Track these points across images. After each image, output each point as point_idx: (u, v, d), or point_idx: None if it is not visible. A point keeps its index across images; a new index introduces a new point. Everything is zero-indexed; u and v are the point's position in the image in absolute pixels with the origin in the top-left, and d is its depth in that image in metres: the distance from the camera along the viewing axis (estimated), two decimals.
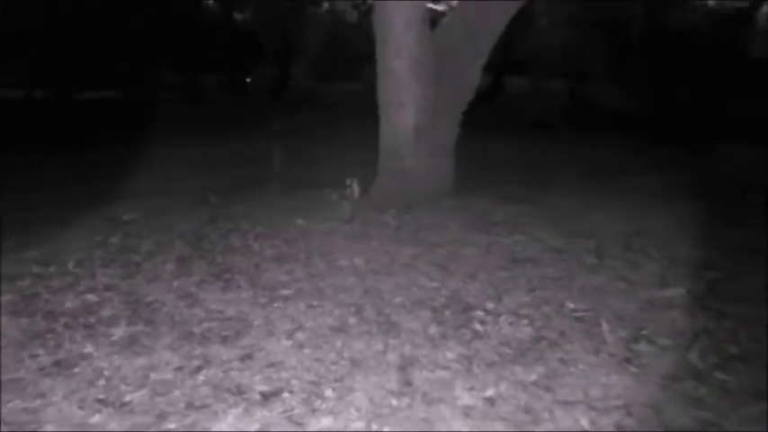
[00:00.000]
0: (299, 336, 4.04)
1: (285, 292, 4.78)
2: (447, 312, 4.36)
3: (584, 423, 3.13)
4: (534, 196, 7.80)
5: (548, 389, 3.41)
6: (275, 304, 4.55)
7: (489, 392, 3.36)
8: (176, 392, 3.38)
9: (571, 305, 4.49)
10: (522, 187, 8.33)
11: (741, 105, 18.03)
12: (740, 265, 5.51)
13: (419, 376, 3.53)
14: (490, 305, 4.48)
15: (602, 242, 6.01)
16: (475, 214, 6.82)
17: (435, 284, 4.88)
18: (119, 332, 4.07)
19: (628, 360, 3.75)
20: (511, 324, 4.17)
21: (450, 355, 3.74)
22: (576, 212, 7.09)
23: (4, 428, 3.11)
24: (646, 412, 3.22)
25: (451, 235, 6.11)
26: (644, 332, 4.11)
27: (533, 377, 3.52)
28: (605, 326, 4.12)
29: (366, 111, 8.01)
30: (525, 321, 4.22)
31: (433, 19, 7.86)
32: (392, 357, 3.74)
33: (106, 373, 3.57)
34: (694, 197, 8.03)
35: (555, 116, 17.32)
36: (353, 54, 22.23)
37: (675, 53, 19.76)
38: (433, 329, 4.08)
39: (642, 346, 3.92)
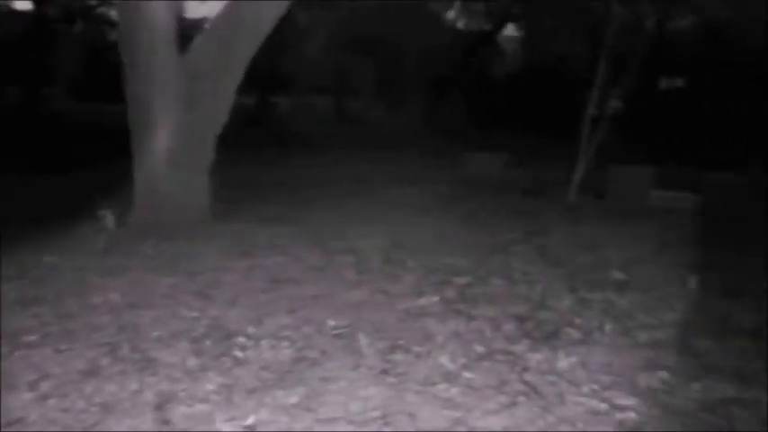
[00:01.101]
0: (44, 385, 3.70)
1: (30, 338, 4.36)
2: (207, 342, 4.23)
3: None
4: (297, 216, 7.89)
5: (308, 409, 3.42)
6: (17, 353, 4.13)
7: (250, 420, 3.30)
8: None
9: (332, 322, 4.56)
10: (285, 208, 8.40)
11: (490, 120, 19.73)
12: (486, 268, 5.98)
13: (177, 413, 3.38)
14: (251, 330, 4.42)
15: (363, 257, 6.22)
16: (236, 238, 6.74)
17: (195, 314, 4.73)
18: None
19: (385, 371, 3.87)
20: (272, 347, 4.15)
21: (209, 386, 3.63)
22: (338, 229, 7.28)
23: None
24: (402, 419, 3.34)
25: (212, 261, 5.98)
26: (400, 342, 4.28)
27: (294, 399, 3.51)
28: (363, 340, 4.24)
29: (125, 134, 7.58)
30: (286, 343, 4.21)
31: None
32: (148, 396, 3.54)
33: None
34: (446, 207, 8.60)
35: (321, 133, 17.68)
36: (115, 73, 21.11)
37: (432, 71, 21.16)
38: (192, 361, 3.93)
39: (398, 356, 4.07)
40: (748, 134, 16.58)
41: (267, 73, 18.01)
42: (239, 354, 4.06)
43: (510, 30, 26.53)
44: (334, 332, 4.41)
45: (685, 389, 3.79)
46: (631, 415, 3.47)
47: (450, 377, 3.80)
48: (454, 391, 3.64)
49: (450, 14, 26.22)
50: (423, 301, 5.08)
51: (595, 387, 3.76)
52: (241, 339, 4.28)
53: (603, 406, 3.55)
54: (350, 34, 21.18)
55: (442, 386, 3.69)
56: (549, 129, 16.11)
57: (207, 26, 8.22)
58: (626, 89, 10.66)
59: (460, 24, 26.77)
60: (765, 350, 4.37)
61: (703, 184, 9.31)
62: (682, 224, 8.28)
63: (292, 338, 4.30)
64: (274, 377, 3.76)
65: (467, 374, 3.84)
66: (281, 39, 17.90)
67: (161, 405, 3.45)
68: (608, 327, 4.65)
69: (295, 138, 16.52)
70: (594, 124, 10.09)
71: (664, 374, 3.96)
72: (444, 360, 4.02)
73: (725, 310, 5.09)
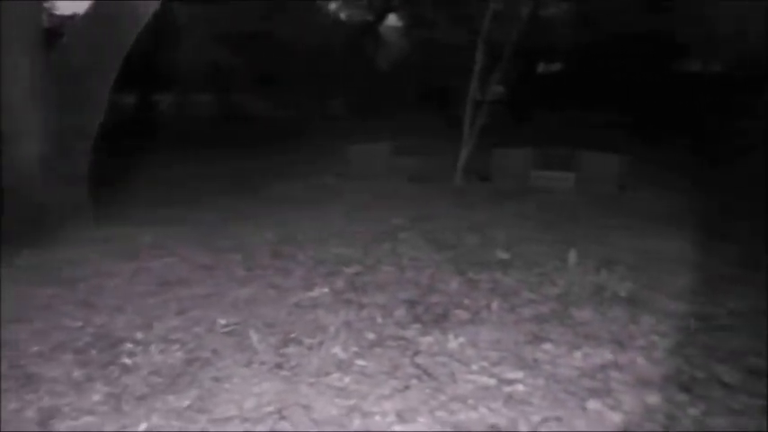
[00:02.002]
0: None
1: None
2: (92, 352, 4.09)
3: None
4: (183, 216, 7.73)
5: (202, 410, 3.37)
6: None
7: (141, 427, 3.22)
8: None
9: (223, 321, 4.51)
10: (171, 208, 8.20)
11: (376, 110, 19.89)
12: (375, 256, 6.05)
13: (62, 427, 3.25)
14: (139, 335, 4.30)
15: (251, 253, 6.16)
16: (120, 242, 6.53)
17: (79, 324, 4.55)
18: None
19: (279, 365, 3.86)
20: (162, 351, 4.05)
21: (96, 397, 3.51)
22: (225, 227, 7.18)
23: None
24: (297, 412, 3.35)
25: (95, 267, 5.77)
26: (292, 335, 4.28)
27: (187, 402, 3.45)
28: (255, 336, 4.21)
29: None
30: (176, 346, 4.13)
31: None
32: (30, 414, 3.39)
33: None
34: (333, 198, 8.64)
35: (205, 130, 17.30)
36: None
37: (316, 63, 21.07)
38: (76, 373, 3.79)
39: (291, 349, 4.07)
40: (619, 116, 17.51)
41: (147, 70, 17.44)
42: (127, 361, 3.94)
43: (393, 20, 26.89)
44: (226, 330, 4.36)
45: (567, 358, 3.99)
46: (519, 387, 3.62)
47: (343, 366, 3.84)
48: (347, 379, 3.68)
49: (333, 6, 26.25)
50: (313, 293, 5.09)
51: (484, 364, 3.89)
52: (129, 346, 4.15)
53: (493, 381, 3.68)
54: (232, 28, 20.77)
55: (335, 376, 3.72)
56: (434, 116, 16.44)
57: (76, 23, 7.89)
58: (505, 75, 11.00)
59: (343, 16, 26.86)
60: (638, 315, 4.65)
61: (581, 164, 9.74)
62: (561, 202, 8.66)
63: (183, 340, 4.22)
64: (165, 381, 3.68)
65: (359, 362, 3.89)
66: (160, 35, 17.45)
67: (44, 421, 3.31)
68: (495, 305, 4.81)
69: (178, 136, 16.10)
70: (477, 109, 10.36)
71: (548, 346, 4.15)
72: (337, 350, 4.05)
73: (601, 281, 5.37)
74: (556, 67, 31.02)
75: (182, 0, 18.46)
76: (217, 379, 3.71)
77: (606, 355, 4.03)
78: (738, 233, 7.14)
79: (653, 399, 3.51)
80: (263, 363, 3.89)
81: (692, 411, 3.39)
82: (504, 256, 6.09)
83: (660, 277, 5.57)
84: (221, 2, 19.40)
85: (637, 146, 14.11)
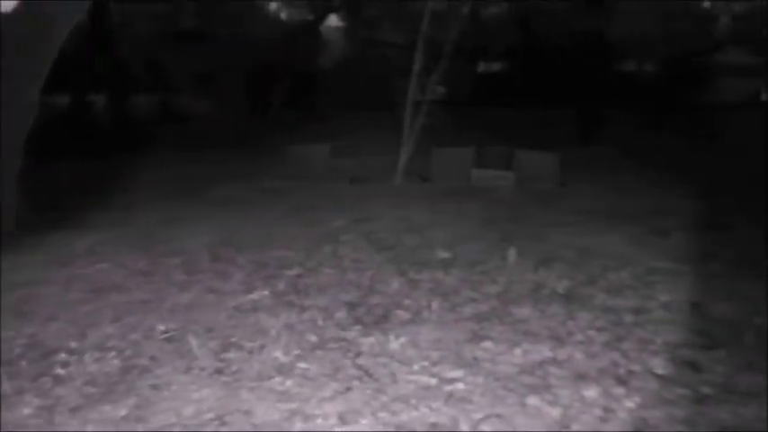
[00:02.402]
0: None
1: None
2: (23, 363, 3.96)
3: None
4: (120, 220, 7.57)
5: (139, 419, 3.30)
6: None
7: None
8: None
9: (161, 327, 4.43)
10: (107, 212, 8.03)
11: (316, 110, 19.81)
12: (316, 258, 6.04)
13: None
14: (73, 344, 4.19)
15: (191, 258, 6.07)
16: (54, 248, 6.37)
17: (9, 333, 4.40)
18: None
19: (219, 371, 3.81)
20: (97, 360, 3.95)
21: (26, 410, 3.40)
22: (164, 231, 7.06)
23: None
24: (238, 417, 3.31)
25: (25, 275, 5.59)
26: (233, 339, 4.24)
27: (124, 411, 3.38)
28: (195, 341, 4.14)
29: None
30: (113, 354, 4.04)
31: None
32: None
33: None
34: (274, 200, 8.58)
35: (143, 132, 16.90)
36: None
37: (256, 64, 20.88)
38: (5, 386, 3.66)
39: (232, 354, 4.02)
40: (560, 114, 17.82)
41: (80, 71, 16.97)
42: (60, 371, 3.83)
43: (334, 20, 26.86)
44: (164, 336, 4.29)
45: (507, 355, 4.04)
46: (460, 386, 3.65)
47: (284, 370, 3.81)
48: (289, 383, 3.66)
49: (273, 6, 26.09)
50: (254, 296, 5.05)
51: (425, 364, 3.91)
52: (62, 356, 4.04)
53: (434, 381, 3.70)
54: (171, 28, 20.46)
55: (276, 379, 3.69)
56: (375, 116, 16.43)
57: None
58: (445, 74, 11.09)
59: (284, 15, 26.71)
60: (576, 311, 4.75)
61: (521, 162, 9.87)
62: (502, 201, 8.77)
63: (119, 348, 4.12)
64: (101, 391, 3.59)
65: (301, 365, 3.87)
66: (95, 34, 17.01)
67: None
68: (435, 304, 4.84)
69: (115, 138, 15.71)
70: (417, 109, 10.41)
71: (488, 344, 4.19)
72: (278, 353, 4.02)
73: (540, 278, 5.46)
74: (496, 66, 31.50)
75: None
76: (155, 386, 3.64)
77: (545, 351, 4.09)
78: (672, 228, 7.33)
79: (590, 393, 3.58)
80: (202, 368, 3.84)
81: (628, 404, 3.47)
82: (444, 255, 6.14)
83: (597, 273, 5.68)
84: (158, 1, 19.09)
85: (576, 143, 14.45)
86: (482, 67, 31.57)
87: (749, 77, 28.82)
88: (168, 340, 4.24)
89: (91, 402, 3.47)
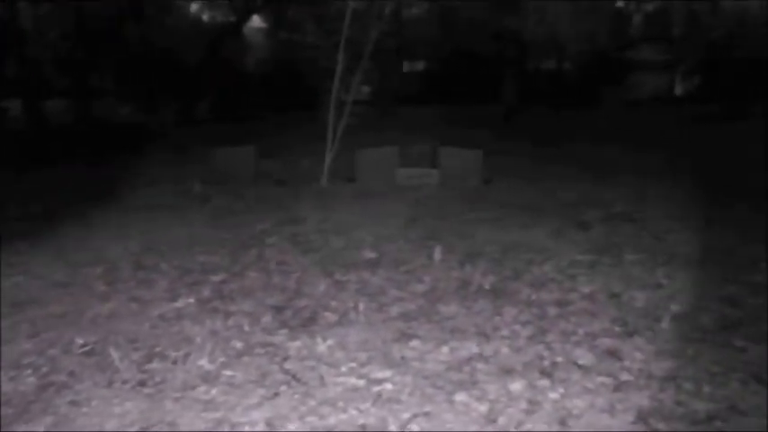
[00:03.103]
0: None
1: None
2: None
3: None
4: (37, 230, 7.31)
5: None
6: None
7: None
8: None
9: (80, 340, 4.29)
10: (23, 222, 7.73)
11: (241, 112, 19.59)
12: (241, 263, 5.96)
13: None
14: None
15: (112, 266, 5.91)
16: None
17: None
18: None
19: (142, 382, 3.72)
20: (12, 379, 3.79)
21: None
22: (84, 240, 6.86)
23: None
24: (162, 429, 3.24)
25: None
26: (157, 349, 4.14)
27: (40, 430, 3.26)
28: (116, 354, 4.03)
29: None
30: (29, 371, 3.88)
31: None
32: None
33: None
34: (198, 205, 8.43)
35: (62, 138, 16.35)
36: None
37: (177, 66, 20.50)
38: None
39: (155, 365, 3.94)
40: (483, 111, 18.11)
41: None
42: None
43: (257, 21, 26.60)
44: (84, 350, 4.15)
45: (435, 353, 4.08)
46: (388, 386, 3.66)
47: (209, 378, 3.75)
48: (214, 391, 3.60)
49: (194, 7, 25.64)
50: (178, 304, 4.95)
51: (353, 365, 3.91)
52: None
53: (362, 382, 3.71)
54: (88, 30, 19.82)
55: (201, 388, 3.63)
56: (301, 117, 16.38)
57: None
58: (369, 74, 11.10)
59: (205, 17, 26.28)
60: (502, 307, 4.83)
61: (445, 160, 9.96)
62: (427, 199, 8.84)
63: (35, 365, 3.97)
64: (16, 411, 3.45)
65: (227, 372, 3.82)
66: (5, 35, 16.36)
67: None
68: (362, 305, 4.84)
69: (32, 144, 15.17)
70: (341, 110, 10.39)
71: (415, 343, 4.22)
72: (203, 362, 3.95)
73: (466, 275, 5.53)
74: (421, 65, 31.79)
75: (29, 0, 17.49)
76: (74, 403, 3.52)
77: (472, 347, 4.15)
78: (593, 220, 7.54)
79: (516, 386, 3.65)
80: (125, 381, 3.74)
81: (553, 395, 3.55)
82: (371, 255, 6.15)
83: (522, 268, 5.79)
84: (72, 2, 18.50)
85: (498, 139, 14.70)
86: (407, 66, 31.81)
87: (661, 73, 29.92)
88: (88, 354, 4.11)
89: (5, 423, 3.33)
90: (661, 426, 3.25)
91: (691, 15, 26.40)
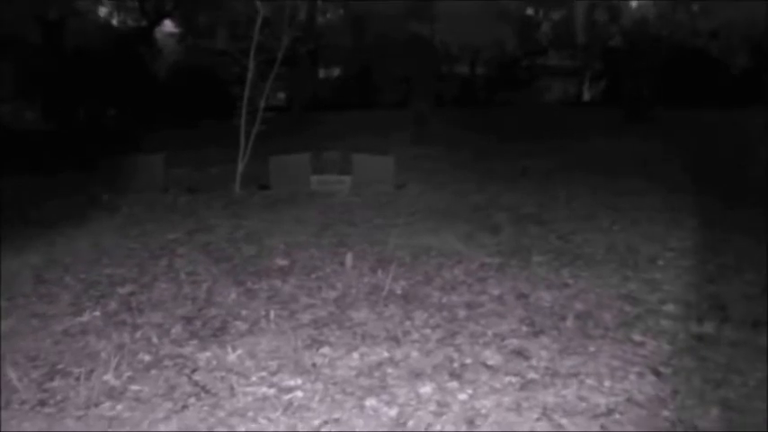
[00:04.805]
0: None
1: None
2: None
3: None
4: None
5: None
6: None
7: None
8: None
9: None
10: None
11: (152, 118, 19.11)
12: (150, 274, 5.84)
13: None
14: None
15: (10, 281, 5.67)
16: None
17: None
18: None
19: (42, 402, 3.59)
20: None
21: None
22: None
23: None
24: None
25: None
26: (59, 366, 4.01)
27: None
28: (14, 373, 3.87)
29: None
30: None
31: None
32: None
33: None
34: (105, 214, 8.20)
35: None
36: None
37: (79, 72, 19.82)
38: None
39: (57, 383, 3.81)
40: (396, 116, 18.27)
41: None
42: None
43: (169, 26, 26.08)
44: None
45: (346, 359, 4.10)
46: (298, 394, 3.67)
47: (114, 394, 3.66)
48: (120, 407, 3.52)
49: (103, 10, 24.93)
50: (83, 318, 4.80)
51: (264, 374, 3.90)
52: None
53: (272, 391, 3.70)
54: None
55: (106, 405, 3.54)
56: (213, 124, 16.12)
57: None
58: (284, 80, 11.03)
59: (115, 21, 25.59)
60: (412, 311, 4.90)
61: (357, 166, 10.00)
62: (339, 205, 8.86)
63: None
64: None
65: (133, 387, 3.74)
66: None
67: None
68: (273, 313, 4.82)
69: None
70: (253, 117, 10.29)
71: (326, 350, 4.24)
72: (109, 377, 3.85)
73: (378, 280, 5.58)
74: (336, 71, 31.86)
75: None
76: None
77: (382, 352, 4.19)
78: (501, 223, 7.72)
79: (426, 389, 3.71)
80: (23, 402, 3.60)
81: (461, 396, 3.63)
82: (282, 263, 6.13)
83: (431, 272, 5.89)
84: None
85: (410, 144, 14.89)
86: (323, 72, 31.83)
87: (569, 78, 31.00)
88: None
89: None
90: (564, 421, 3.37)
91: (590, 24, 27.49)
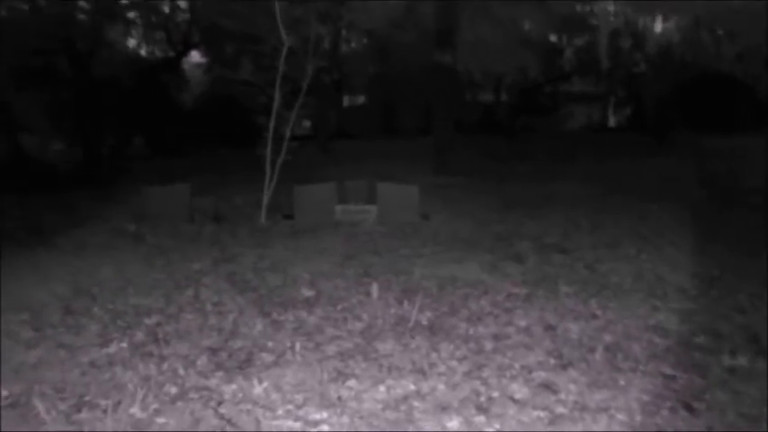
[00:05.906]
0: None
1: None
2: None
3: None
4: None
5: None
6: None
7: None
8: None
9: (3, 392, 4.11)
10: None
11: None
12: (176, 304, 5.85)
13: None
14: None
15: (40, 311, 5.72)
16: None
17: None
18: None
19: None
20: None
21: None
22: (11, 282, 6.60)
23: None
24: None
25: None
26: (86, 398, 4.02)
27: None
28: (41, 405, 3.88)
29: None
30: None
31: None
32: None
33: None
34: (131, 245, 8.27)
35: None
36: None
37: (107, 102, 20.14)
38: None
39: (84, 415, 3.81)
40: (421, 144, 18.30)
41: None
42: None
43: (196, 57, 26.47)
44: (6, 402, 3.98)
45: (372, 392, 4.06)
46: (324, 428, 3.64)
47: (141, 426, 3.66)
48: None
49: (132, 42, 25.38)
50: (110, 350, 4.82)
51: (290, 407, 3.87)
52: None
53: (298, 425, 3.68)
54: (14, 64, 19.29)
55: None
56: (238, 154, 16.27)
57: None
58: (309, 109, 11.09)
59: (143, 52, 26.03)
60: (439, 343, 4.86)
61: (382, 195, 9.98)
62: (365, 235, 8.84)
63: None
64: None
65: (159, 420, 3.73)
66: None
67: None
68: (299, 345, 4.80)
69: None
70: (279, 146, 10.35)
71: (352, 382, 4.20)
72: (135, 409, 3.85)
73: (404, 311, 5.55)
74: (360, 99, 32.12)
75: None
76: None
77: (409, 385, 4.15)
78: (526, 252, 7.67)
79: (452, 423, 3.67)
80: None
81: (488, 430, 3.58)
82: (308, 293, 6.13)
83: (459, 303, 5.84)
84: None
85: (433, 173, 14.87)
86: (348, 101, 32.13)
87: (594, 104, 31.00)
88: (12, 405, 3.95)
89: None
90: None
91: (614, 50, 27.48)
